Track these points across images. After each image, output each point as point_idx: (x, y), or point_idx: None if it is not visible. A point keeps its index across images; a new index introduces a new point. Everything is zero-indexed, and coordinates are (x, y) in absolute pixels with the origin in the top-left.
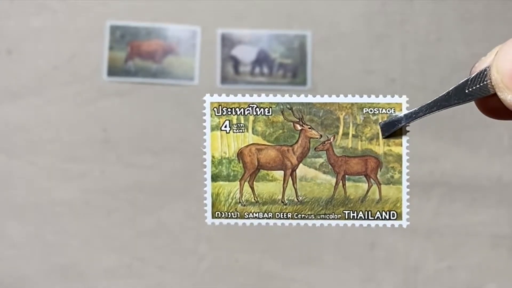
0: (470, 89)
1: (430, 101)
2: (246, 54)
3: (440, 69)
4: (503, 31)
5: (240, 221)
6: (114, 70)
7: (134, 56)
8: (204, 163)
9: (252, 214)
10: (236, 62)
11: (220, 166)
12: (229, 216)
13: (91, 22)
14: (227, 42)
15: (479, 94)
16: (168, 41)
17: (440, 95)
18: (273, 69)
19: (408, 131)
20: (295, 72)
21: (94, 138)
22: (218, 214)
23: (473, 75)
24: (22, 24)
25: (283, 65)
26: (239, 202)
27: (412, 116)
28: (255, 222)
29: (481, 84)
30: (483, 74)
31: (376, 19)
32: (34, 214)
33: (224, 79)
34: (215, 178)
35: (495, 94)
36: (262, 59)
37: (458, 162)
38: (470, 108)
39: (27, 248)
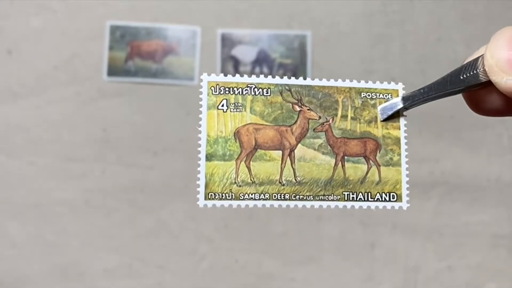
0: (464, 76)
1: (427, 85)
2: (246, 54)
3: (440, 69)
4: None
5: (235, 203)
6: (114, 70)
7: (134, 56)
8: (199, 142)
9: (248, 195)
10: (236, 62)
11: (215, 145)
12: (223, 197)
13: (91, 22)
14: (227, 42)
15: (472, 81)
16: (168, 41)
17: (437, 80)
18: (273, 69)
19: (405, 116)
20: (295, 72)
21: (94, 138)
22: (211, 195)
23: (466, 62)
24: (22, 24)
25: (283, 65)
26: (235, 182)
27: (409, 99)
28: (251, 203)
29: (474, 72)
30: (475, 63)
31: (376, 19)
32: (34, 214)
33: None
34: (209, 157)
35: (485, 86)
36: (262, 59)
37: (458, 162)
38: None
39: (27, 248)
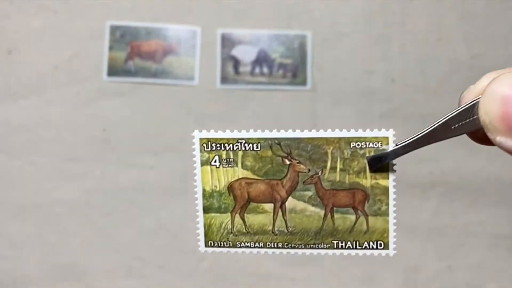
0: (457, 125)
1: (416, 137)
2: (246, 54)
3: (440, 69)
4: (503, 31)
5: (232, 250)
6: (114, 70)
7: (134, 56)
8: (196, 196)
9: (244, 243)
10: (236, 62)
11: (211, 199)
12: (222, 245)
13: (91, 22)
14: (227, 42)
15: (468, 128)
16: (168, 41)
17: (426, 130)
18: (273, 69)
19: (395, 164)
20: (295, 72)
21: (94, 138)
22: (211, 243)
23: (459, 110)
24: (22, 24)
25: (283, 65)
26: (231, 232)
27: (398, 153)
28: (247, 251)
29: (469, 119)
30: (471, 110)
31: (376, 19)
32: (34, 214)
33: (224, 79)
34: (206, 210)
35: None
36: (262, 59)
37: (458, 162)
38: None
39: (27, 248)
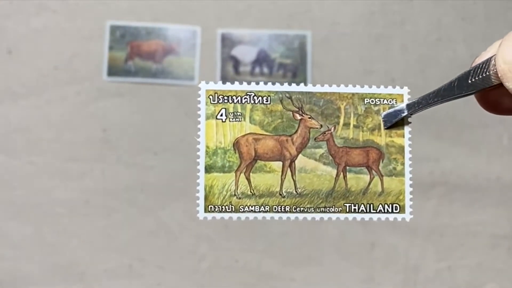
0: (473, 80)
1: (432, 91)
2: (246, 54)
3: (440, 69)
4: (503, 31)
5: (234, 215)
6: (114, 70)
7: (134, 56)
8: (198, 153)
9: (248, 207)
10: (236, 62)
11: (214, 157)
12: (223, 209)
13: (91, 22)
14: (227, 42)
15: (482, 85)
16: (168, 41)
17: (443, 85)
18: (273, 69)
19: (410, 122)
20: (295, 72)
21: (94, 138)
22: (211, 208)
23: (476, 65)
24: (22, 24)
25: (283, 65)
26: (234, 194)
27: (414, 106)
28: (251, 216)
29: (484, 75)
30: (486, 65)
31: (376, 19)
32: (34, 214)
33: (224, 79)
34: (209, 169)
35: (497, 87)
36: (262, 59)
37: (458, 162)
38: (470, 108)
39: (27, 248)
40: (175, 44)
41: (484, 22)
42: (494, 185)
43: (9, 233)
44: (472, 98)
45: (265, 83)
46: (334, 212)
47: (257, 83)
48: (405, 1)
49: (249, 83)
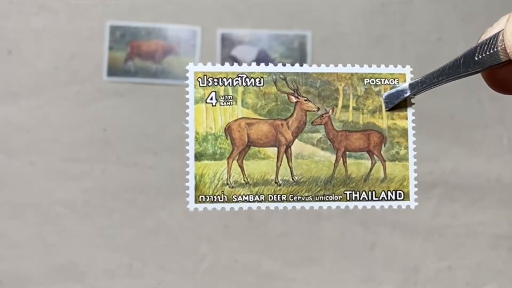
0: (480, 56)
1: (437, 69)
2: (246, 54)
3: None
4: None
5: (227, 205)
6: (114, 70)
7: (134, 56)
8: (187, 140)
9: (242, 197)
10: (236, 62)
11: (205, 143)
12: (215, 200)
13: (91, 22)
14: (227, 42)
15: (489, 62)
16: (168, 41)
17: (448, 63)
18: None
19: (413, 103)
20: None
21: (94, 138)
22: (202, 198)
23: (482, 41)
24: (22, 24)
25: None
26: (227, 183)
27: (417, 86)
28: (245, 206)
29: (492, 51)
30: (494, 41)
31: (376, 19)
32: (34, 214)
33: None
34: (199, 157)
35: (505, 64)
36: (262, 59)
37: (458, 162)
38: (470, 108)
39: (27, 248)
40: (175, 44)
41: (484, 22)
42: (494, 185)
43: (9, 233)
44: (472, 99)
45: (258, 64)
46: (333, 200)
47: (249, 64)
48: (405, 1)
49: (240, 64)
